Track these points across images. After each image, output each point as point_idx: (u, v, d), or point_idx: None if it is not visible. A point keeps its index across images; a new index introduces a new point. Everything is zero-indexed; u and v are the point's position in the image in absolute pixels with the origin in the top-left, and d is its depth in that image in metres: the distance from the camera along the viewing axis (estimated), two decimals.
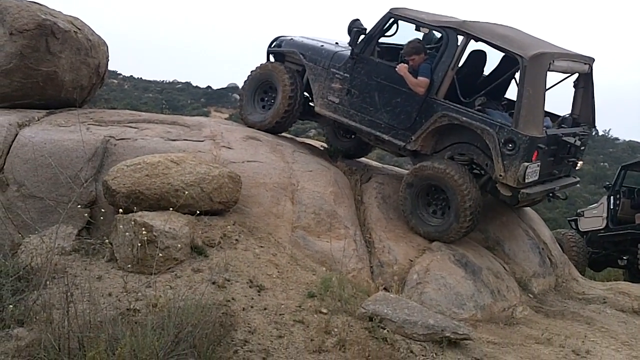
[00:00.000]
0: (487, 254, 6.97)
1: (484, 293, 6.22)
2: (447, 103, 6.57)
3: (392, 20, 7.20)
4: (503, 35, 6.68)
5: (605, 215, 12.11)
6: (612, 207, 12.19)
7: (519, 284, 6.91)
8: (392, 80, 6.89)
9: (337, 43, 7.86)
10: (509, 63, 6.90)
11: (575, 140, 6.81)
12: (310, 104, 7.83)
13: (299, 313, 4.81)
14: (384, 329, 4.73)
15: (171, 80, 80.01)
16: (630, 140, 48.75)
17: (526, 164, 6.15)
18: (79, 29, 7.46)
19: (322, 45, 7.73)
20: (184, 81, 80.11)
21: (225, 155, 6.64)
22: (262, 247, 5.68)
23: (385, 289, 5.83)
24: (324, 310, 4.88)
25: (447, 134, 6.74)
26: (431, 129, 6.67)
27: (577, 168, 7.40)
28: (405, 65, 6.77)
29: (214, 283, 4.94)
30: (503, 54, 6.84)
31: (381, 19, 7.15)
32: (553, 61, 6.47)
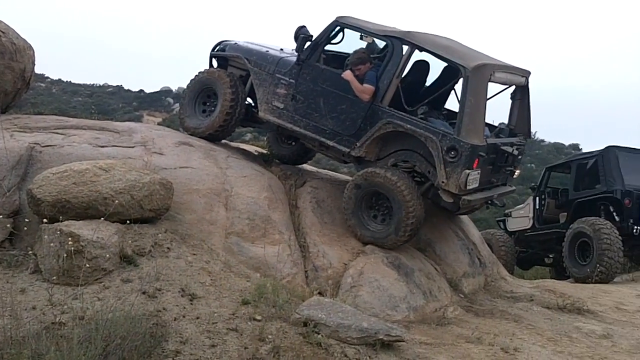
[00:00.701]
0: (419, 256, 7.10)
1: (416, 294, 6.33)
2: (392, 111, 6.69)
3: (338, 28, 7.30)
4: (446, 46, 6.87)
5: (531, 215, 12.55)
6: (537, 207, 12.64)
7: (450, 284, 7.07)
8: (337, 87, 6.97)
9: (282, 49, 7.88)
10: (450, 74, 7.11)
11: (513, 150, 7.04)
12: (254, 109, 7.80)
13: (232, 321, 4.75)
14: (319, 333, 4.73)
15: (102, 84, 78.11)
16: (555, 142, 50.42)
17: (468, 171, 6.32)
18: (3, 32, 7.19)
19: (267, 51, 7.74)
20: (115, 84, 78.52)
21: (156, 161, 6.51)
22: (194, 254, 5.59)
23: (320, 293, 5.81)
24: (258, 317, 4.84)
25: (390, 141, 6.85)
26: (376, 136, 6.76)
27: (514, 177, 7.62)
28: (350, 72, 6.87)
29: (144, 293, 4.82)
30: (444, 64, 7.03)
31: (328, 26, 7.23)
32: (494, 72, 6.69)
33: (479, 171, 6.52)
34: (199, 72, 7.97)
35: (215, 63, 8.27)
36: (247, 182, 6.81)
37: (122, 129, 7.23)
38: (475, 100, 6.44)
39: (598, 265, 10.14)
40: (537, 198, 12.56)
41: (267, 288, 5.23)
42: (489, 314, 6.67)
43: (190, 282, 5.16)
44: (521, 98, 7.51)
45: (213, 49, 8.28)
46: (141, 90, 76.89)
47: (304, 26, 7.31)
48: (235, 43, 8.13)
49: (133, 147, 6.73)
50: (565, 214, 11.89)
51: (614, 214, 11.04)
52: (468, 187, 6.42)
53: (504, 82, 7.11)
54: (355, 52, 7.18)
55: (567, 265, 10.95)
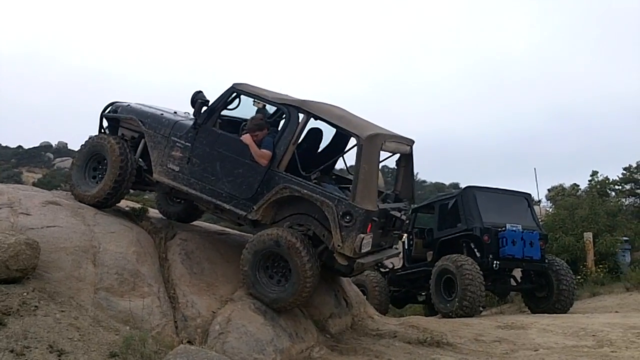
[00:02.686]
0: None
1: (282, 337, 6.67)
2: (289, 175, 6.90)
3: (235, 94, 7.51)
4: (340, 116, 7.20)
5: (401, 255, 13.12)
6: (407, 247, 13.28)
7: (317, 325, 7.44)
8: (234, 151, 7.12)
9: (175, 112, 7.98)
10: (340, 141, 7.53)
11: (402, 215, 7.44)
12: (146, 172, 7.79)
13: None
14: None
15: None
16: (436, 182, 52.61)
17: (362, 235, 6.54)
18: None
19: (162, 114, 7.80)
20: None
21: (23, 221, 6.60)
22: (63, 311, 5.68)
23: (189, 342, 6.05)
24: None
25: (286, 205, 7.01)
26: (272, 200, 6.92)
27: (402, 240, 8.04)
28: (249, 136, 7.07)
29: (12, 351, 4.89)
30: (334, 132, 7.42)
31: (225, 92, 7.43)
32: (385, 142, 7.06)
33: (372, 235, 6.74)
34: (88, 138, 7.91)
35: (105, 123, 8.26)
36: (115, 238, 6.95)
37: None
38: (369, 167, 6.73)
39: (462, 300, 10.83)
40: (406, 238, 13.16)
41: (135, 340, 5.42)
42: (353, 352, 7.08)
43: (59, 338, 5.26)
44: (405, 165, 7.87)
45: (104, 110, 8.29)
46: (19, 146, 74.30)
47: (200, 91, 7.39)
48: (128, 105, 8.17)
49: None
50: (432, 252, 12.58)
51: (475, 250, 11.82)
52: (362, 251, 6.63)
53: (393, 151, 7.47)
54: (253, 118, 7.37)
55: (434, 301, 11.59)
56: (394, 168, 8.29)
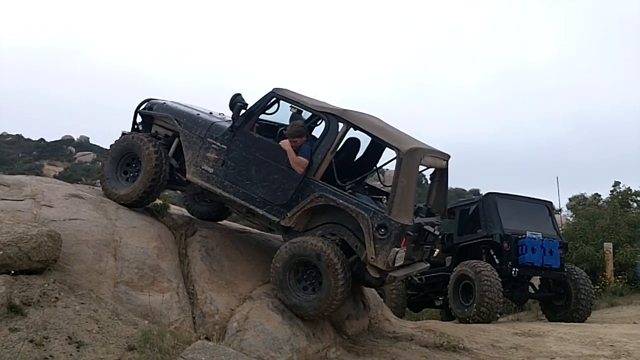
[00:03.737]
0: None
1: (299, 336, 6.67)
2: (324, 184, 6.84)
3: (274, 99, 7.42)
4: (380, 128, 7.13)
5: None
6: None
7: (334, 326, 7.44)
8: (270, 156, 7.08)
9: (211, 112, 7.93)
10: (375, 151, 7.51)
11: (435, 230, 7.40)
12: (177, 172, 7.77)
13: None
14: None
15: (0, 133, 75.78)
16: (457, 188, 52.35)
17: (396, 249, 6.49)
18: None
19: (198, 114, 7.75)
20: (14, 133, 76.25)
21: (45, 213, 6.66)
22: (83, 303, 5.74)
23: (206, 338, 6.09)
24: None
25: (320, 213, 6.95)
26: (307, 208, 6.87)
27: (434, 255, 7.95)
28: (288, 142, 7.00)
29: (31, 341, 4.95)
30: (369, 141, 7.40)
31: (264, 97, 7.36)
32: (424, 156, 6.99)
33: (405, 249, 6.69)
34: (121, 136, 7.92)
35: (139, 119, 8.28)
36: (136, 233, 7.01)
37: (11, 182, 7.32)
38: (407, 181, 6.66)
39: (479, 305, 10.80)
40: None
41: (153, 334, 5.47)
42: (369, 354, 7.09)
43: (78, 330, 5.32)
44: (440, 179, 7.77)
45: (139, 106, 8.26)
46: (41, 139, 75.23)
47: (239, 94, 7.34)
48: (164, 103, 8.13)
49: (22, 200, 6.85)
50: (450, 257, 12.58)
51: (494, 256, 11.80)
52: (395, 264, 6.58)
53: (430, 165, 7.39)
54: (294, 124, 7.30)
55: (451, 307, 11.57)
56: (427, 181, 8.23)
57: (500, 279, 11.06)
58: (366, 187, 7.93)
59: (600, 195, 26.16)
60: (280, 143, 7.04)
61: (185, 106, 8.05)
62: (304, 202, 6.87)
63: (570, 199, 28.69)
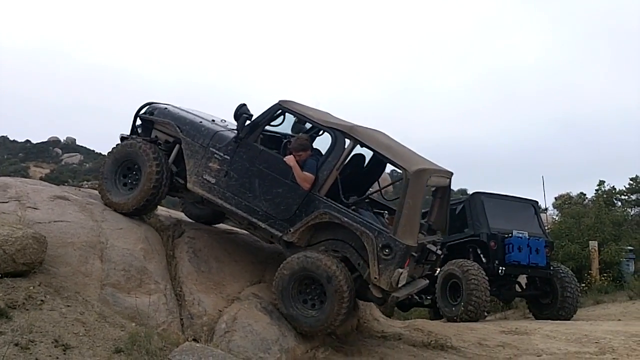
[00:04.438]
0: None
1: (288, 337, 6.66)
2: (329, 201, 6.77)
3: (280, 111, 7.36)
4: (387, 146, 7.04)
5: None
6: None
7: None
8: (275, 169, 6.99)
9: (213, 120, 7.82)
10: (378, 166, 7.49)
11: (437, 249, 7.38)
12: (177, 179, 7.67)
13: None
14: None
15: None
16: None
17: (400, 270, 6.43)
18: None
19: (201, 122, 7.62)
20: None
21: (30, 216, 6.60)
22: (69, 306, 5.69)
23: (194, 339, 6.05)
24: None
25: (323, 229, 6.88)
26: (311, 224, 6.80)
27: (435, 274, 7.90)
28: (293, 157, 6.93)
29: (16, 345, 4.88)
30: (371, 155, 7.35)
31: (270, 108, 7.27)
32: (430, 176, 6.93)
33: (408, 269, 6.67)
34: (119, 143, 7.78)
35: (138, 122, 8.16)
36: (123, 234, 6.97)
37: None
38: (413, 202, 6.59)
39: (467, 304, 10.83)
40: None
41: (140, 336, 5.41)
42: (358, 353, 7.09)
43: (64, 332, 5.26)
44: (442, 197, 7.71)
45: (139, 110, 8.14)
46: (27, 141, 74.78)
47: (244, 104, 7.27)
48: (166, 108, 8.02)
49: (7, 202, 6.79)
50: None
51: (481, 255, 11.87)
52: (399, 285, 6.54)
53: (435, 185, 7.33)
54: (298, 137, 7.22)
55: (439, 305, 11.60)
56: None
57: (487, 278, 11.11)
58: (367, 200, 7.83)
59: (585, 195, 26.43)
60: (285, 159, 6.97)
61: (187, 112, 7.93)
62: (308, 218, 6.80)
63: (556, 198, 28.97)
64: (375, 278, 6.48)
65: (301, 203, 6.85)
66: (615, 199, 22.53)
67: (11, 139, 75.60)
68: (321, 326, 6.64)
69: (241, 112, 7.17)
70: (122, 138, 8.00)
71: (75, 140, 78.39)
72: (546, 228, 14.03)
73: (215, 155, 7.27)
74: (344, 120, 7.32)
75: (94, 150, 75.32)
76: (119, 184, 7.66)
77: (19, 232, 5.77)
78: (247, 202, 7.08)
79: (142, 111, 8.17)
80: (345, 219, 6.65)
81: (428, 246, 7.17)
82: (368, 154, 7.51)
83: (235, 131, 7.33)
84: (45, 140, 75.91)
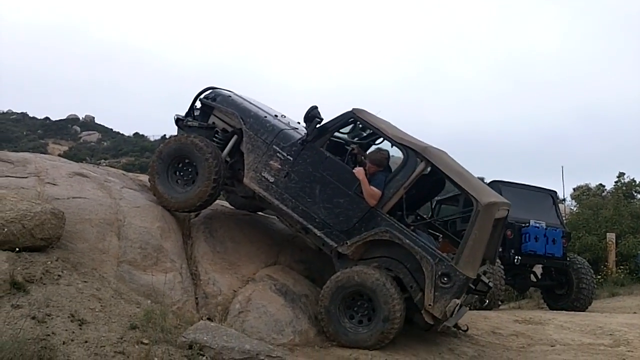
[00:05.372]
0: (307, 283, 7.46)
1: (302, 319, 6.70)
2: (392, 220, 6.63)
3: (351, 120, 7.22)
4: (459, 173, 6.89)
5: None
6: None
7: None
8: (339, 179, 6.83)
9: (276, 116, 7.67)
10: (435, 187, 7.48)
11: (489, 282, 7.28)
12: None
13: (120, 344, 4.97)
14: (203, 355, 5.03)
15: (5, 111, 76.04)
16: None
17: (457, 300, 6.33)
18: None
19: (266, 117, 7.45)
20: (19, 111, 76.45)
21: (49, 191, 6.66)
22: (85, 282, 5.75)
23: (209, 319, 6.10)
24: (145, 341, 5.07)
25: (377, 245, 6.73)
26: (369, 240, 6.68)
27: (484, 304, 7.86)
28: (363, 170, 6.79)
29: (33, 318, 4.95)
30: (429, 171, 7.05)
31: (342, 115, 7.10)
32: (498, 209, 6.82)
33: (461, 299, 6.58)
34: (170, 139, 7.63)
35: (198, 104, 8.00)
36: (140, 213, 7.01)
37: (16, 159, 7.32)
38: (480, 234, 6.48)
39: None
40: None
41: (155, 314, 5.47)
42: None
43: (80, 308, 5.32)
44: (496, 227, 7.27)
45: (200, 93, 7.98)
46: (47, 118, 75.38)
47: (316, 107, 7.05)
48: (230, 96, 7.85)
49: (26, 177, 6.86)
50: None
51: None
52: (452, 315, 6.45)
53: (498, 217, 7.04)
54: (379, 152, 7.12)
55: None
56: None
57: (502, 267, 11.04)
58: (418, 217, 7.74)
59: (604, 186, 26.15)
60: (355, 171, 6.79)
61: (250, 103, 7.77)
62: (368, 234, 6.67)
63: (574, 189, 28.69)
64: (430, 305, 6.38)
65: (362, 217, 6.70)
66: (635, 191, 22.29)
67: (31, 115, 76.22)
68: (370, 344, 6.45)
69: (312, 114, 6.97)
70: (178, 120, 7.90)
71: (94, 118, 78.94)
72: (564, 219, 13.90)
73: (278, 154, 7.09)
74: (416, 139, 7.11)
75: (112, 129, 75.89)
76: (171, 180, 7.46)
77: (38, 207, 5.83)
78: (305, 207, 6.91)
79: (204, 95, 7.99)
80: (407, 241, 6.52)
81: (482, 278, 7.10)
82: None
83: (294, 129, 7.25)
84: (64, 117, 76.47)
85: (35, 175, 6.94)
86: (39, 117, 75.90)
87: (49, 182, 6.86)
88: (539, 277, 12.62)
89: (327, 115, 7.18)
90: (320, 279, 7.73)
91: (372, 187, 6.66)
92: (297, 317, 6.66)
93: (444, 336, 7.59)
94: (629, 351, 7.46)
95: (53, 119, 74.93)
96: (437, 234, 7.75)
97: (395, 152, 7.16)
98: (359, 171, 6.76)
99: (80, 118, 78.46)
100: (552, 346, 7.77)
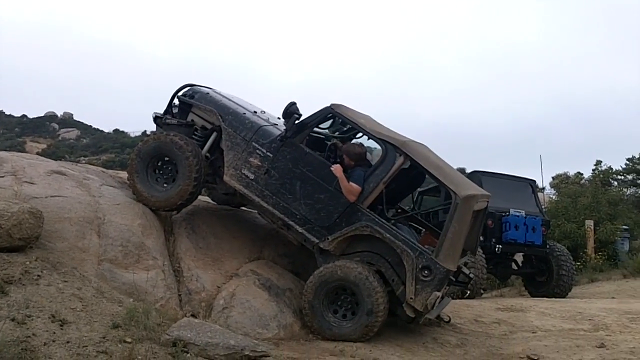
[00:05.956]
0: (291, 277, 7.47)
1: (286, 313, 6.69)
2: (372, 214, 6.65)
3: (330, 115, 7.19)
4: (438, 166, 6.89)
5: None
6: None
7: None
8: (318, 174, 6.83)
9: (255, 112, 7.62)
10: (415, 181, 7.49)
11: (470, 273, 7.34)
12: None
13: (102, 344, 4.88)
14: (187, 352, 4.97)
15: None
16: None
17: (437, 293, 6.37)
18: None
19: (245, 114, 7.40)
20: None
21: (27, 190, 6.55)
22: (66, 281, 5.66)
23: (193, 315, 6.07)
24: (129, 340, 4.99)
25: (359, 240, 6.76)
26: (350, 235, 6.71)
27: (465, 296, 7.93)
28: (340, 167, 6.76)
29: (13, 320, 4.86)
30: (408, 166, 7.01)
31: (320, 111, 7.08)
32: (477, 202, 6.85)
33: (443, 291, 6.64)
34: (149, 137, 7.50)
35: (176, 102, 7.91)
36: (120, 210, 6.92)
37: None
38: (459, 227, 6.53)
39: None
40: None
41: (138, 312, 5.40)
42: None
43: (61, 308, 5.23)
44: (476, 218, 7.41)
45: (178, 90, 7.90)
46: (24, 116, 74.38)
47: (294, 103, 7.01)
48: (208, 93, 7.81)
49: (3, 176, 6.74)
50: None
51: None
52: (433, 308, 6.48)
53: (477, 209, 7.10)
54: (357, 146, 7.14)
55: None
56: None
57: (484, 256, 11.14)
58: (399, 210, 7.71)
59: (582, 174, 26.52)
60: (332, 168, 6.77)
61: (229, 100, 7.72)
62: (349, 229, 6.70)
63: (553, 178, 29.00)
64: (411, 298, 6.43)
65: (343, 212, 6.72)
66: (612, 179, 22.62)
67: (7, 113, 75.24)
68: (355, 337, 6.48)
69: (291, 110, 6.93)
70: (156, 117, 7.81)
71: (72, 115, 78.16)
72: (543, 207, 14.05)
73: (258, 150, 7.08)
74: (396, 133, 7.14)
75: (91, 126, 75.19)
76: (151, 179, 7.38)
77: (15, 206, 5.73)
78: (286, 204, 6.92)
79: (182, 93, 7.93)
80: (387, 235, 6.56)
81: (463, 269, 7.16)
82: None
83: (274, 125, 7.22)
84: (42, 115, 75.60)
85: (12, 174, 6.82)
86: (15, 115, 74.96)
87: (26, 181, 6.74)
88: (520, 265, 12.81)
89: (309, 110, 7.15)
90: (304, 272, 7.73)
91: (351, 183, 6.66)
92: (281, 311, 6.64)
93: (428, 326, 7.62)
94: (607, 335, 7.57)
95: (30, 116, 74.04)
96: (420, 227, 7.76)
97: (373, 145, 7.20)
98: (336, 168, 6.75)
99: (59, 115, 77.65)
100: (533, 332, 7.85)
